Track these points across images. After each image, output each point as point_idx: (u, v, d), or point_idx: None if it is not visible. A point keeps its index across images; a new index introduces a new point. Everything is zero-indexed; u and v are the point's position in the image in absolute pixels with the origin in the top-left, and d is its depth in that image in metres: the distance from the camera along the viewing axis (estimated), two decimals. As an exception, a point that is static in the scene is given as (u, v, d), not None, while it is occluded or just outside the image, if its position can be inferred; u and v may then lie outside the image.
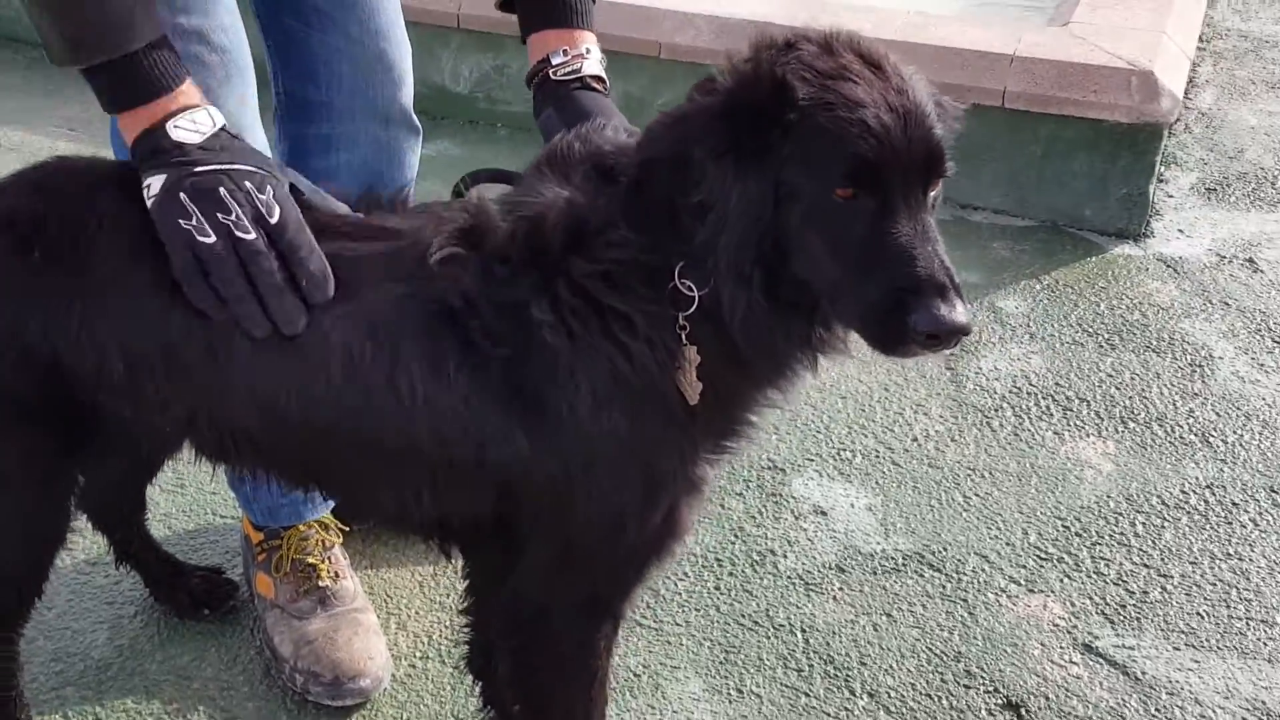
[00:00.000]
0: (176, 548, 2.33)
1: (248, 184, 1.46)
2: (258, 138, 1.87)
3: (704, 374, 1.43)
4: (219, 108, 1.81)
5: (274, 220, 1.45)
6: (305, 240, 1.46)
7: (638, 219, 1.41)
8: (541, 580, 1.59)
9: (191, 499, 2.45)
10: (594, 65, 1.72)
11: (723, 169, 1.32)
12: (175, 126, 1.48)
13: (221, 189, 1.45)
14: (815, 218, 1.32)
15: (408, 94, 2.10)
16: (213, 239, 1.44)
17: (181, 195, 1.45)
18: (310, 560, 2.15)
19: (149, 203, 1.47)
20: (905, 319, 1.28)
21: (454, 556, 1.73)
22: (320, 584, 2.13)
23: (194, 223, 1.44)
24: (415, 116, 2.13)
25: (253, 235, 1.44)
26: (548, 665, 1.66)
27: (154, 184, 1.47)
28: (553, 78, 1.72)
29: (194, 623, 2.19)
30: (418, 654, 2.14)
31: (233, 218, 1.44)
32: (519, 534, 1.58)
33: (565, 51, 1.72)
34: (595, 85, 1.71)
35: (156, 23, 1.49)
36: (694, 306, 1.40)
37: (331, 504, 2.19)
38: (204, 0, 1.79)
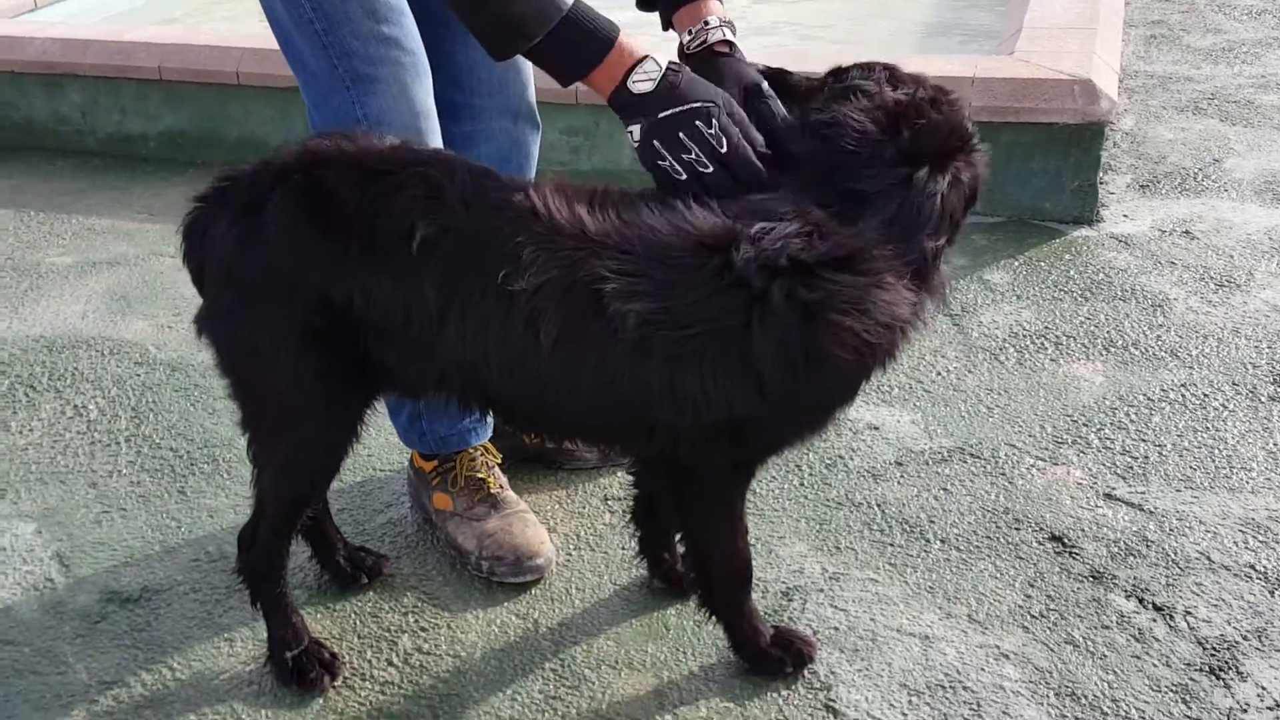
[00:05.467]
0: (351, 495, 2.79)
1: (698, 123, 1.86)
2: (435, 121, 2.38)
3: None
4: (412, 99, 2.35)
5: (724, 150, 1.86)
6: (748, 158, 1.87)
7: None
8: (710, 459, 2.00)
9: (352, 459, 2.90)
10: (718, 34, 2.04)
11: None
12: (634, 82, 1.88)
13: (680, 133, 1.87)
14: None
15: (532, 93, 2.61)
16: (684, 177, 1.87)
17: (655, 142, 1.88)
18: (480, 475, 2.61)
19: (634, 147, 1.91)
20: None
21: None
22: (491, 492, 2.59)
23: (667, 164, 1.88)
24: (537, 112, 2.68)
25: (710, 169, 1.86)
26: (703, 512, 2.11)
27: (634, 132, 1.90)
28: (687, 53, 2.07)
29: (385, 543, 2.65)
30: (571, 548, 2.60)
31: (693, 156, 1.86)
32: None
33: (691, 31, 2.06)
34: (722, 50, 2.07)
35: None
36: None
37: (490, 431, 2.69)
38: (397, 13, 2.27)
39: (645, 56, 1.89)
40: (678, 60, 1.94)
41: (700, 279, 1.78)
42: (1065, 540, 2.56)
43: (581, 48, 1.89)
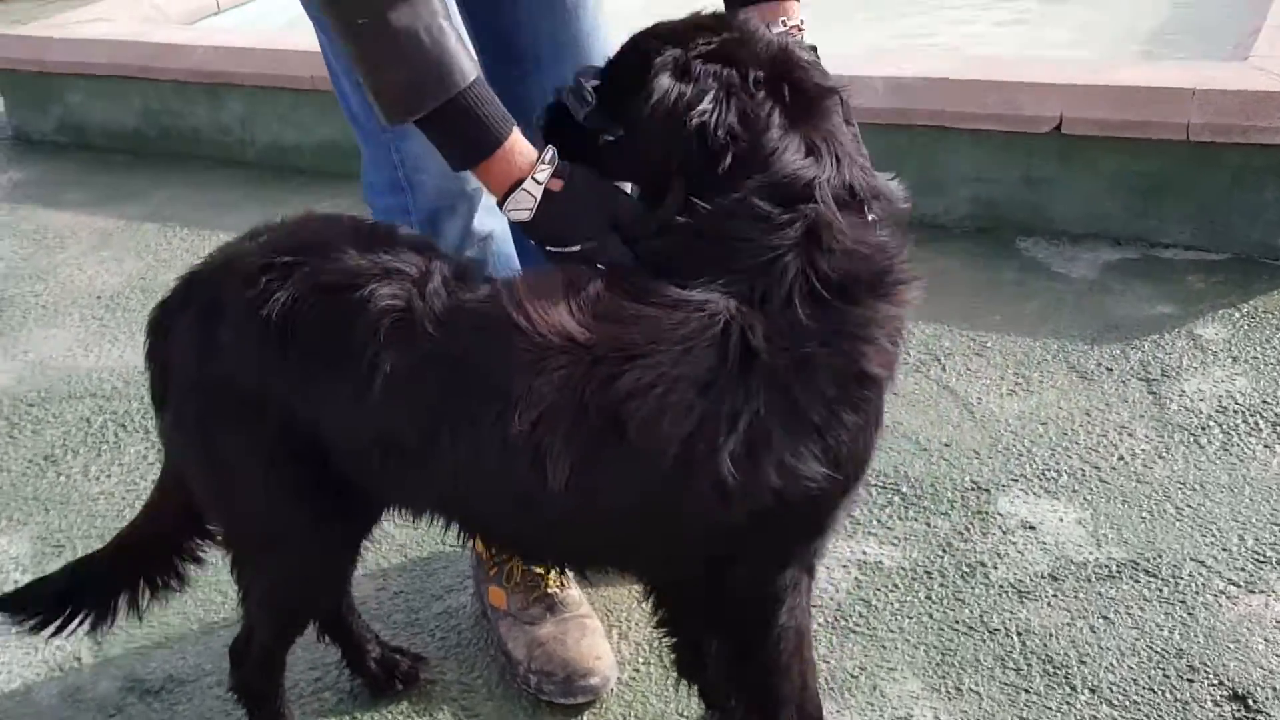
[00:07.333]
0: (412, 575, 2.50)
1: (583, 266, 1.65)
2: None
3: None
4: None
5: None
6: None
7: None
8: (757, 566, 1.68)
9: (423, 532, 2.60)
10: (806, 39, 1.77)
11: None
12: (510, 211, 1.66)
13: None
14: None
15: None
16: None
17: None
18: (537, 571, 2.28)
19: None
20: None
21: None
22: (548, 592, 2.26)
23: None
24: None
25: None
26: (766, 643, 1.73)
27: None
28: None
29: (435, 637, 2.35)
30: (640, 660, 2.23)
31: None
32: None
33: (784, 22, 1.80)
34: None
35: (473, 63, 1.64)
36: None
37: (556, 520, 2.33)
38: None
39: (522, 181, 1.64)
40: (562, 176, 1.65)
41: (733, 369, 1.50)
42: (1250, 701, 2.03)
43: (466, 139, 1.65)
